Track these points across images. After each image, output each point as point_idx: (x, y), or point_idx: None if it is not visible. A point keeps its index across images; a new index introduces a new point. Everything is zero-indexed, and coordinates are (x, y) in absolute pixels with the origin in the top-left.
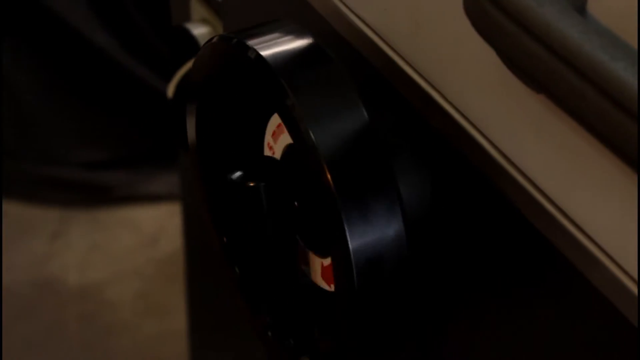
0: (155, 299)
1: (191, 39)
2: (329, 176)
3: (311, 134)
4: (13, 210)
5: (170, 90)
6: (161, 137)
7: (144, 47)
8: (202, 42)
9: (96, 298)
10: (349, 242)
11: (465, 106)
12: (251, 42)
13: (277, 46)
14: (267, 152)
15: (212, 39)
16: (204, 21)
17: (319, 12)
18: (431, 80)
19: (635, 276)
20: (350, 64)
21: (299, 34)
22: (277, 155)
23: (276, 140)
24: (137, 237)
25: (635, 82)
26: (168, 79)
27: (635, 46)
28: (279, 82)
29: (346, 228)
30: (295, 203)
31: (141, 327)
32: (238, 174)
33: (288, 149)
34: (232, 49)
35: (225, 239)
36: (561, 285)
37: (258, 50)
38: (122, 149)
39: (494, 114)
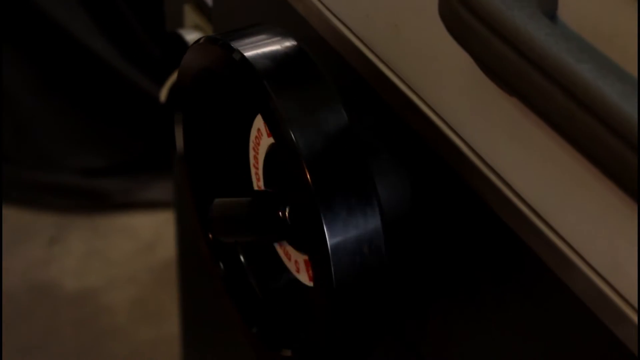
0: (151, 305)
1: (184, 44)
2: (308, 175)
3: (291, 134)
4: (11, 215)
5: (163, 94)
6: (158, 144)
7: (142, 54)
8: None
9: (92, 303)
10: (327, 240)
11: (442, 108)
12: (236, 44)
13: (261, 48)
14: (251, 152)
15: (198, 40)
16: (197, 27)
17: (304, 17)
18: (410, 82)
19: (604, 272)
20: (332, 67)
21: (283, 37)
22: (261, 154)
23: (259, 141)
24: (133, 244)
25: (600, 83)
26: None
27: (603, 50)
28: (262, 84)
29: (324, 226)
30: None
31: (137, 332)
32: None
33: (271, 149)
34: (218, 51)
35: (210, 236)
36: (533, 283)
37: (242, 51)
38: (119, 155)
39: (469, 116)
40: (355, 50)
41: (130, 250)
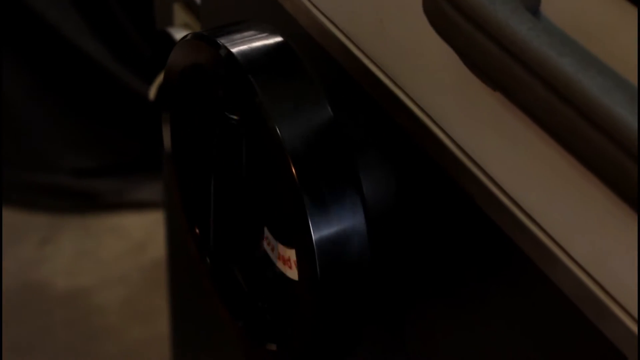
0: (141, 305)
1: (173, 43)
2: (293, 170)
3: (277, 130)
4: (3, 215)
5: (152, 92)
6: (150, 145)
7: (135, 55)
8: None
9: (84, 303)
10: (312, 234)
11: (427, 103)
12: (222, 40)
13: (247, 45)
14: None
15: (185, 36)
16: (186, 26)
17: (291, 14)
18: (395, 78)
19: (587, 266)
20: (319, 64)
21: (269, 34)
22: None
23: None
24: (124, 244)
25: (581, 77)
26: None
27: (585, 45)
28: (248, 79)
29: (310, 220)
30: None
31: (128, 332)
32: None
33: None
34: (204, 47)
35: (197, 230)
36: (518, 277)
37: (229, 47)
38: (111, 156)
39: (454, 111)
40: (341, 47)
41: (122, 250)
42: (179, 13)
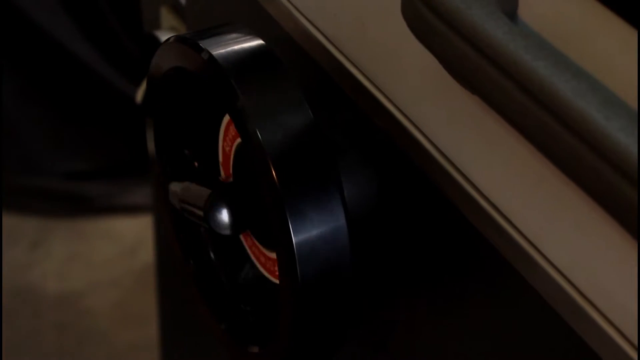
0: (132, 309)
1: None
2: (274, 173)
3: (258, 133)
4: None
5: (139, 95)
6: (141, 148)
7: (126, 59)
8: None
9: (74, 307)
10: (293, 237)
11: (407, 106)
12: (204, 44)
13: (228, 48)
14: (221, 151)
15: (168, 39)
16: (173, 29)
17: (274, 17)
18: (376, 81)
19: (562, 268)
20: (301, 66)
21: (250, 37)
22: (231, 152)
23: (231, 139)
24: (115, 248)
25: (555, 80)
26: None
27: (561, 49)
28: (229, 83)
29: (290, 223)
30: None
31: (118, 335)
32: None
33: (239, 147)
34: (186, 50)
35: (181, 235)
36: (495, 279)
37: (210, 51)
38: (102, 160)
39: (433, 114)
40: (323, 50)
41: (112, 254)
42: (166, 16)
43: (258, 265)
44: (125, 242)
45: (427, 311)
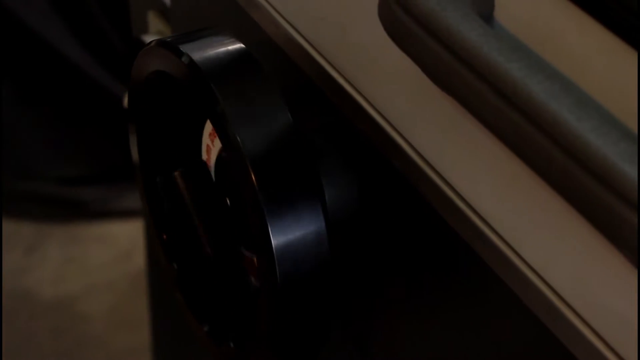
0: (128, 313)
1: None
2: (253, 177)
3: (238, 138)
4: None
5: (126, 99)
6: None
7: (119, 62)
8: None
9: (70, 311)
10: (272, 240)
11: (386, 109)
12: (185, 47)
13: (209, 52)
14: (204, 156)
15: (149, 43)
16: (160, 33)
17: (257, 22)
18: (356, 84)
19: (538, 268)
20: (283, 71)
21: (231, 41)
22: (213, 157)
23: (213, 142)
24: (111, 252)
25: (528, 82)
26: None
27: (537, 50)
28: (209, 87)
29: (269, 227)
30: (227, 201)
31: (114, 340)
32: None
33: (221, 151)
34: (167, 54)
35: (165, 236)
36: (473, 280)
37: (191, 55)
38: (97, 164)
39: (412, 116)
40: (304, 54)
41: (108, 258)
42: (154, 20)
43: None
44: (121, 246)
45: (408, 312)
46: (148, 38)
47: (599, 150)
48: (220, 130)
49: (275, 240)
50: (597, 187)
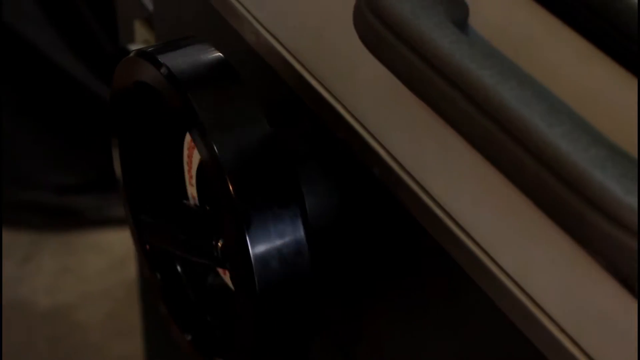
0: (124, 321)
1: None
2: (231, 187)
3: (215, 149)
4: None
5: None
6: None
7: (112, 71)
8: None
9: (66, 320)
10: (250, 250)
11: (364, 116)
12: (163, 58)
13: (187, 63)
14: (185, 167)
15: (129, 54)
16: (147, 42)
17: (237, 31)
18: (334, 92)
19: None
20: (263, 79)
21: (210, 52)
22: (195, 167)
23: (193, 153)
24: (106, 260)
25: (499, 89)
26: None
27: (511, 56)
28: (187, 98)
29: (247, 236)
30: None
31: (110, 348)
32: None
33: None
34: (146, 65)
35: (147, 247)
36: (454, 288)
37: (169, 66)
38: (92, 173)
39: (390, 123)
40: (284, 62)
41: (103, 267)
42: (140, 30)
43: (222, 274)
44: (116, 254)
45: (391, 318)
46: (134, 47)
47: (569, 156)
48: (198, 141)
49: (254, 250)
50: (567, 193)
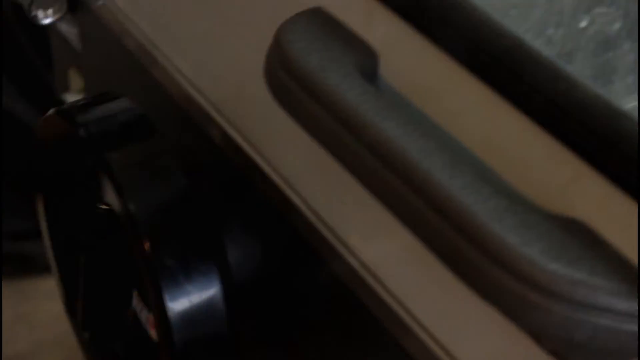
0: None
1: None
2: (146, 246)
3: (130, 208)
4: None
5: None
6: None
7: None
8: None
9: None
10: (166, 305)
11: (281, 168)
12: (82, 119)
13: (106, 122)
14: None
15: (47, 112)
16: (81, 91)
17: (161, 83)
18: (256, 145)
19: (429, 326)
20: (185, 131)
21: (129, 109)
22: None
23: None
24: (60, 306)
25: (403, 141)
26: None
27: (419, 104)
28: (105, 160)
29: (164, 294)
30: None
31: None
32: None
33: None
34: (65, 125)
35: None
36: (372, 343)
37: (88, 126)
38: None
39: (307, 174)
40: (204, 113)
41: (57, 313)
42: (74, 78)
43: (147, 327)
44: None
45: None
46: (69, 97)
47: (469, 208)
48: (116, 201)
49: (171, 306)
50: (466, 246)
